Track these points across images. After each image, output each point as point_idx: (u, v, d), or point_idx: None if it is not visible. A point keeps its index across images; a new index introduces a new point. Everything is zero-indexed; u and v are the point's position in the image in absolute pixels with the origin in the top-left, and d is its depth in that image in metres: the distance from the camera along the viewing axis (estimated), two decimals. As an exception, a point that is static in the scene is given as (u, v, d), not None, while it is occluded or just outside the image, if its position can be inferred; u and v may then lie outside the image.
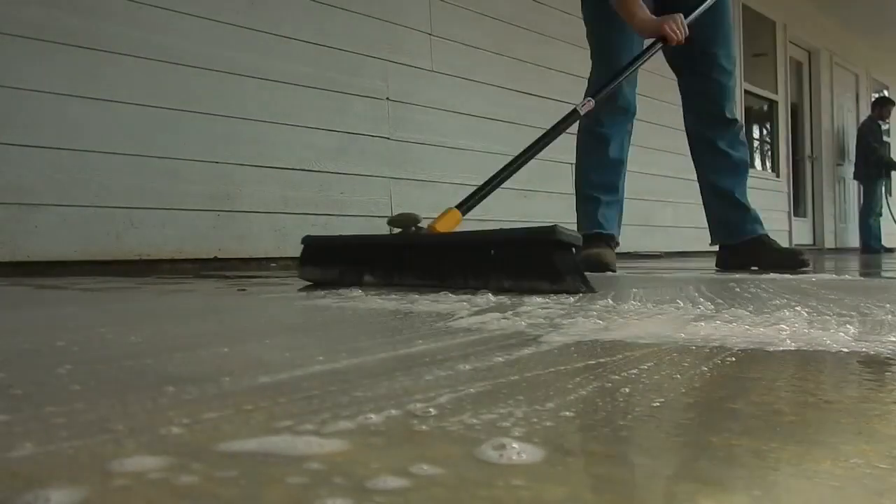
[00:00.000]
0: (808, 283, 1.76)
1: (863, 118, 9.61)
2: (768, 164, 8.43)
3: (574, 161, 2.94)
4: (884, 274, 2.56)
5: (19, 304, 1.44)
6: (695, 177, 4.53)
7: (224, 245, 3.13)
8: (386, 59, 3.78)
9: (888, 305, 1.16)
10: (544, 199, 4.62)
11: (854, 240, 9.46)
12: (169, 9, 2.95)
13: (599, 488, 0.33)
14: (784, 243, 7.74)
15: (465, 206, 2.05)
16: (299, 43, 3.40)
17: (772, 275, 2.20)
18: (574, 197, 2.90)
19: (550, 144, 4.27)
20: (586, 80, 4.19)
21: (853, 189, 9.43)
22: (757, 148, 9.11)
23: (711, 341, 0.79)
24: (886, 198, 8.77)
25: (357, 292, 1.50)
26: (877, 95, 10.03)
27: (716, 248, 3.03)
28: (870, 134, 8.46)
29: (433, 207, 3.99)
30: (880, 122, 8.55)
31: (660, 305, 1.22)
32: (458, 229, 1.89)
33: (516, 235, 1.59)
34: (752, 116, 8.29)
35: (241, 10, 3.19)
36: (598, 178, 2.74)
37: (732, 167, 2.77)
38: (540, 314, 1.08)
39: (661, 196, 5.71)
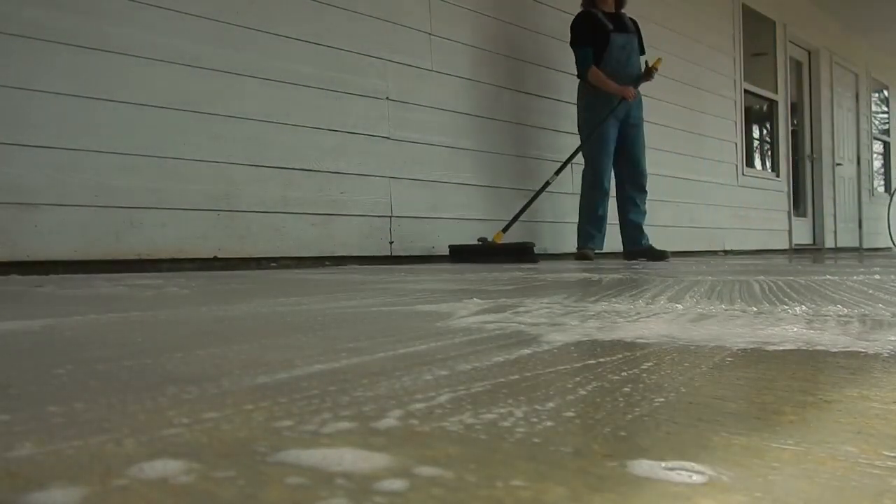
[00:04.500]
0: (809, 283, 1.76)
1: (863, 118, 9.61)
2: (768, 164, 8.43)
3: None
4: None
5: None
6: (695, 177, 5.71)
7: (224, 245, 3.13)
8: (386, 59, 3.77)
9: (888, 305, 1.16)
10: (543, 199, 4.61)
11: (854, 240, 9.47)
12: (169, 9, 2.95)
13: (599, 488, 0.32)
14: (784, 243, 7.76)
15: (504, 229, 4.03)
16: (299, 43, 3.40)
17: (772, 275, 2.20)
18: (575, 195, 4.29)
19: (551, 146, 4.81)
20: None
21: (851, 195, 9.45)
22: (757, 148, 9.11)
23: (711, 341, 0.79)
24: None
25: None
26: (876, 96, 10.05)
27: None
28: None
29: (433, 207, 4.01)
30: None
31: (659, 305, 1.22)
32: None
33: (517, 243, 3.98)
34: (752, 116, 8.29)
35: (241, 10, 3.19)
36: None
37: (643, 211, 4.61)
38: (540, 314, 1.08)
39: (661, 196, 5.71)
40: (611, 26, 4.35)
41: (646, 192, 4.56)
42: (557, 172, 4.26)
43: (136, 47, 2.85)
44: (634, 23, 4.52)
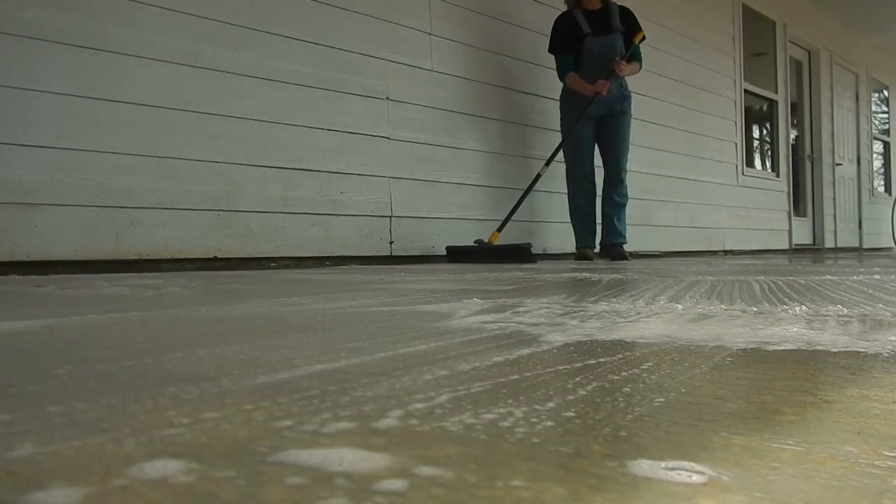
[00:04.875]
0: (809, 283, 1.76)
1: (863, 118, 9.61)
2: (768, 164, 8.43)
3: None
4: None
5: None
6: (695, 177, 5.67)
7: (224, 245, 3.13)
8: (386, 59, 3.77)
9: (889, 304, 1.16)
10: (542, 199, 4.62)
11: (854, 240, 9.48)
12: (169, 9, 2.95)
13: (599, 488, 0.32)
14: (784, 243, 7.76)
15: (499, 228, 4.03)
16: (299, 43, 3.40)
17: (772, 275, 2.20)
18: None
19: (552, 145, 4.80)
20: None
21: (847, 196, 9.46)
22: (757, 148, 9.10)
23: (711, 341, 0.79)
24: None
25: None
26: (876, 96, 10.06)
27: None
28: None
29: (433, 207, 4.01)
30: None
31: (660, 305, 1.22)
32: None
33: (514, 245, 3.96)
34: (752, 116, 8.29)
35: (241, 10, 3.19)
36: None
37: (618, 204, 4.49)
38: (540, 314, 1.08)
39: (661, 196, 5.71)
40: (588, 29, 4.24)
41: (622, 183, 4.40)
42: (547, 164, 4.23)
43: (136, 47, 2.85)
44: (626, 13, 4.36)
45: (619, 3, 4.40)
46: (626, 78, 4.38)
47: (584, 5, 4.31)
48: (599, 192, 4.47)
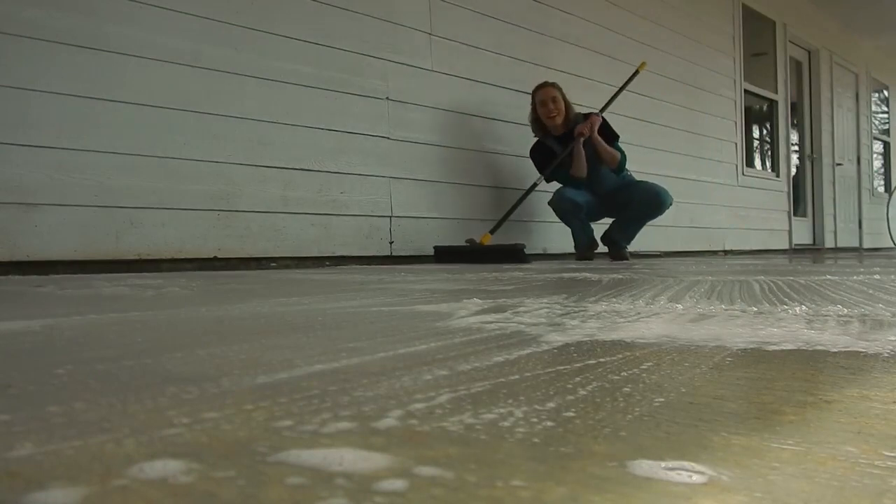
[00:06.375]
0: (809, 283, 1.77)
1: (863, 118, 9.61)
2: (768, 164, 8.42)
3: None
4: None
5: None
6: (695, 177, 5.64)
7: (224, 245, 3.13)
8: (386, 59, 3.77)
9: (889, 304, 1.16)
10: (543, 199, 4.62)
11: (854, 240, 9.48)
12: (169, 9, 2.95)
13: (599, 488, 0.32)
14: (784, 243, 7.76)
15: (492, 231, 3.99)
16: (299, 43, 3.40)
17: (772, 275, 2.20)
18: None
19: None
20: (585, 80, 4.55)
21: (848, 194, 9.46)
22: (757, 148, 9.10)
23: (711, 341, 0.79)
24: None
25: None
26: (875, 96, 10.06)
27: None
28: None
29: (433, 207, 4.01)
30: None
31: (660, 305, 1.22)
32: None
33: (507, 245, 3.87)
34: (752, 116, 8.29)
35: (241, 9, 3.19)
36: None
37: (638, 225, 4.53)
38: (540, 314, 1.08)
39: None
40: (559, 150, 4.24)
41: (663, 208, 4.32)
42: (546, 179, 4.23)
43: (136, 47, 2.85)
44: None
45: (584, 112, 4.30)
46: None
47: (551, 132, 4.31)
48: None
